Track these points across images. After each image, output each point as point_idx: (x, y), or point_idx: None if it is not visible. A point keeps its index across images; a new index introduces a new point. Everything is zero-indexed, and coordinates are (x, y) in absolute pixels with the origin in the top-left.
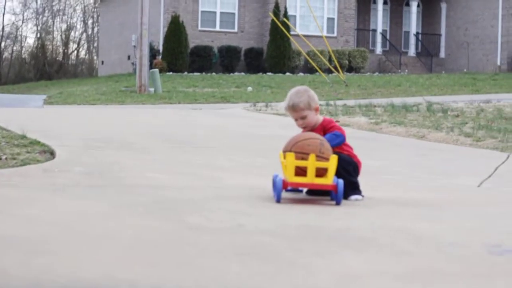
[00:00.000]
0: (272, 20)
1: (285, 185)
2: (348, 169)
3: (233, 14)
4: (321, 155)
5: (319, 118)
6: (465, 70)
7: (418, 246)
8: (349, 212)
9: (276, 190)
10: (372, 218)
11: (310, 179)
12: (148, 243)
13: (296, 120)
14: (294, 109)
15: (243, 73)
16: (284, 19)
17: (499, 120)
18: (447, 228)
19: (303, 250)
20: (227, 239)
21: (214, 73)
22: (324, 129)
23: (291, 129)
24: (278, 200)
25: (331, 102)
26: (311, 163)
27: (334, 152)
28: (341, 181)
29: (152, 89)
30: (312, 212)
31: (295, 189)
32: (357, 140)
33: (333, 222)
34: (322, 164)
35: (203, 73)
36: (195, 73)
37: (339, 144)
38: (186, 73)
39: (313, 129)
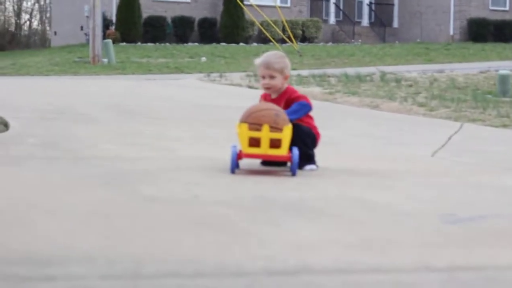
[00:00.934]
0: None
1: (239, 156)
2: (306, 141)
3: None
4: (276, 126)
5: (284, 85)
6: (418, 40)
7: (372, 216)
8: (303, 182)
9: (231, 161)
10: (326, 188)
11: (264, 150)
12: (103, 215)
13: (263, 77)
14: (267, 66)
15: (197, 44)
16: None
17: (452, 89)
18: (400, 198)
19: (258, 220)
20: (182, 210)
21: (168, 44)
22: (288, 97)
23: (245, 99)
24: (233, 171)
25: None
26: (265, 134)
27: (294, 124)
28: (296, 152)
29: (105, 60)
30: (266, 183)
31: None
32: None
33: (287, 192)
34: (276, 135)
35: (157, 43)
36: (149, 44)
37: (305, 114)
38: (139, 43)
39: (277, 93)
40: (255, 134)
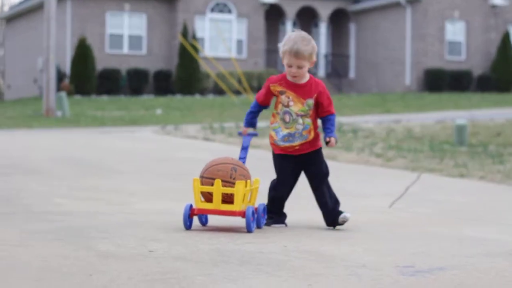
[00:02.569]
0: (181, 42)
1: (193, 212)
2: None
3: (141, 36)
4: (229, 180)
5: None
6: (375, 90)
7: (330, 268)
8: (261, 235)
9: (183, 218)
10: (284, 241)
11: (216, 205)
12: (57, 272)
13: (290, 66)
14: (297, 55)
15: (152, 96)
16: (193, 41)
17: (409, 140)
18: (358, 250)
19: (215, 275)
20: (138, 266)
21: (122, 96)
22: (320, 92)
23: (201, 151)
24: (186, 227)
25: (241, 124)
26: (216, 189)
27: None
28: (250, 208)
29: (59, 113)
30: (223, 236)
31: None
32: (266, 162)
33: (245, 245)
34: (228, 190)
35: (112, 96)
36: (103, 96)
37: None
38: (94, 96)
39: (300, 80)
40: (206, 188)
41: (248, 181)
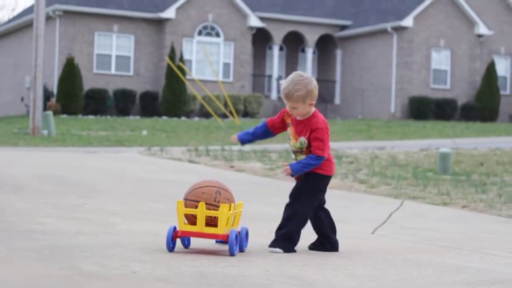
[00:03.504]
0: (168, 64)
1: (176, 234)
2: (293, 220)
3: (129, 57)
4: (213, 203)
5: (312, 109)
6: (360, 116)
7: None
8: (244, 259)
9: (166, 240)
10: (267, 265)
11: (200, 228)
12: None
13: (287, 105)
14: (287, 97)
15: (138, 117)
16: (180, 64)
17: (393, 167)
18: (340, 276)
19: None
20: (121, 286)
21: (109, 116)
22: (311, 129)
23: (186, 174)
24: (169, 249)
25: (226, 147)
26: (200, 212)
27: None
28: (233, 231)
29: (45, 132)
30: (206, 259)
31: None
32: (250, 186)
33: (227, 268)
34: (212, 213)
35: (98, 116)
36: (90, 116)
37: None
38: (80, 115)
39: (303, 117)
40: (190, 211)
41: (232, 204)
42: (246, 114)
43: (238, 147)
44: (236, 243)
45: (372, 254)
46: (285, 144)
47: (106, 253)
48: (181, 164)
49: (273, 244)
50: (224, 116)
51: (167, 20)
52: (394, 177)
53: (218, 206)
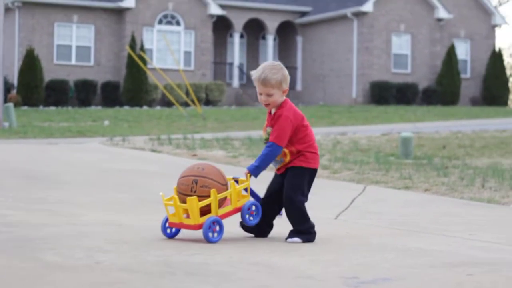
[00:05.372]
0: (129, 53)
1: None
2: (288, 213)
3: (89, 47)
4: (192, 194)
5: (283, 99)
6: (321, 102)
7: (277, 280)
8: (208, 247)
9: (161, 228)
10: (231, 253)
11: (179, 219)
12: (3, 284)
13: (260, 94)
14: (264, 83)
15: (100, 107)
16: (141, 53)
17: (355, 152)
18: (305, 261)
19: (162, 286)
20: (85, 277)
21: (70, 107)
22: (275, 119)
23: (149, 163)
24: (167, 236)
25: (189, 136)
26: (175, 205)
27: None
28: (208, 221)
29: (6, 124)
30: (170, 248)
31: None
32: None
33: (191, 257)
34: (183, 206)
35: (59, 107)
36: (51, 107)
37: (271, 161)
38: (42, 107)
39: (276, 108)
40: (166, 204)
41: (213, 190)
42: (208, 102)
43: (200, 135)
44: (215, 230)
45: (336, 239)
46: (248, 132)
47: (70, 244)
48: (144, 153)
49: (290, 235)
50: (186, 104)
51: (127, 9)
52: (356, 162)
53: (198, 196)
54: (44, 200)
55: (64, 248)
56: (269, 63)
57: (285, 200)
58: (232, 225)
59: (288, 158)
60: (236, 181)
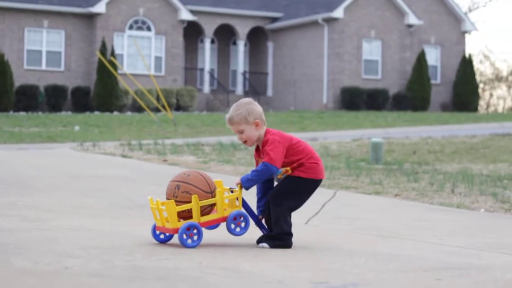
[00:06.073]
0: (99, 59)
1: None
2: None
3: (60, 53)
4: (174, 199)
5: (262, 131)
6: (292, 108)
7: (246, 285)
8: (177, 252)
9: (151, 233)
10: (201, 258)
11: (161, 223)
12: None
13: (236, 133)
14: (230, 122)
15: (70, 112)
16: (111, 58)
17: (325, 157)
18: (274, 266)
19: None
20: (54, 282)
21: (40, 113)
22: (263, 148)
23: (119, 168)
24: (158, 241)
25: (160, 141)
26: (158, 209)
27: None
28: (184, 226)
29: None
30: (140, 253)
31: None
32: None
33: (161, 262)
34: (162, 210)
35: (30, 112)
36: (21, 113)
37: (266, 178)
38: (11, 112)
39: (260, 142)
40: (152, 208)
41: (195, 196)
42: (178, 107)
43: (171, 140)
44: (192, 235)
45: (305, 244)
46: (218, 137)
47: (40, 249)
48: (114, 158)
49: (259, 240)
50: (156, 110)
51: (97, 14)
52: (327, 167)
53: (178, 201)
54: (14, 205)
55: (34, 253)
56: (236, 102)
57: (269, 202)
58: (204, 231)
59: (290, 172)
60: (232, 191)
